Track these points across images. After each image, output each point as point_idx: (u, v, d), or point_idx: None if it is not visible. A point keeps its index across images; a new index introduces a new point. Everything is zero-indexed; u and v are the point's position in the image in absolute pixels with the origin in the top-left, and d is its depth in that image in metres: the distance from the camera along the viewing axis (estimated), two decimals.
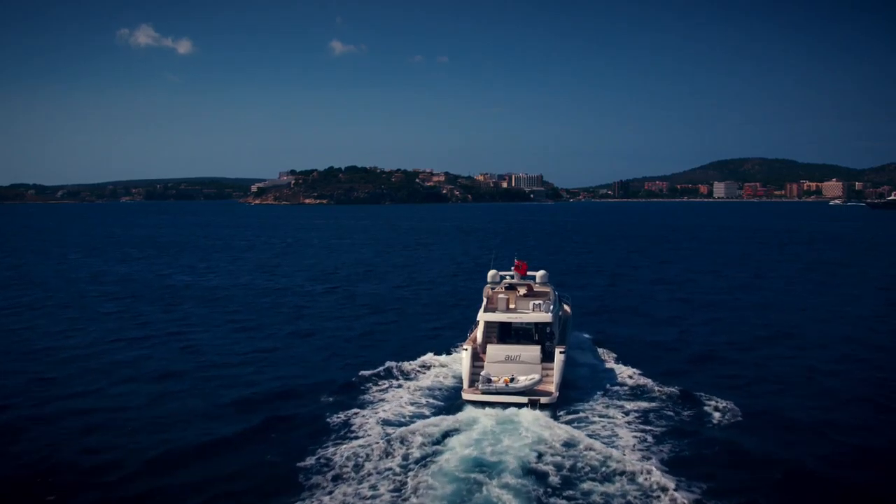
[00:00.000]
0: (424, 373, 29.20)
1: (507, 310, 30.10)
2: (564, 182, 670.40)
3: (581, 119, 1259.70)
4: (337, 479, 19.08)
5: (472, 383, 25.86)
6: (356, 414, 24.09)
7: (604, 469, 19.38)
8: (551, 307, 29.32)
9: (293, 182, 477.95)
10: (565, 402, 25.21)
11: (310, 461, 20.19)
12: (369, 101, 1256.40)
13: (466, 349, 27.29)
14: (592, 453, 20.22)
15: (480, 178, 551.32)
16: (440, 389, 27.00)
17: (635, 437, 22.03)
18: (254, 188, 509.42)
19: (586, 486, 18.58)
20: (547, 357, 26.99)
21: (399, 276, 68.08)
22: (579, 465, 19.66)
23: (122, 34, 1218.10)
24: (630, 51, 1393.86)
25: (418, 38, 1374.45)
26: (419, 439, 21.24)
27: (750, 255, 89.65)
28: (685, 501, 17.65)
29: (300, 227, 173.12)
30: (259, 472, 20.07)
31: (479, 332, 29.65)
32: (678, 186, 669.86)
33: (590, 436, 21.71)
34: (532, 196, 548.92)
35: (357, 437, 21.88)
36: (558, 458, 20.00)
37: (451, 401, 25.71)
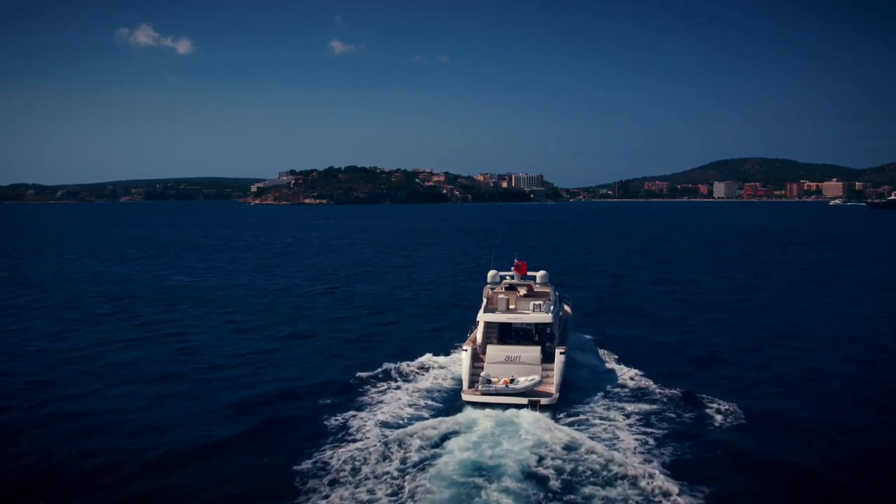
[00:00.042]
0: (423, 374, 28.95)
1: (507, 310, 29.89)
2: (564, 182, 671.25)
3: (581, 119, 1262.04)
4: (334, 483, 18.82)
5: (472, 384, 25.64)
6: (354, 416, 23.85)
7: (605, 473, 19.10)
8: (551, 307, 29.10)
9: (293, 182, 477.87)
10: (566, 404, 24.96)
11: (306, 465, 19.95)
12: (369, 101, 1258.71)
13: (466, 350, 27.09)
14: (594, 457, 19.94)
15: (480, 178, 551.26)
16: (439, 391, 26.76)
17: (637, 439, 21.78)
18: (253, 188, 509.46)
19: (587, 490, 18.31)
20: (547, 358, 26.78)
21: (399, 276, 67.84)
22: (580, 468, 19.39)
23: (122, 34, 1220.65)
24: (630, 51, 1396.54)
25: (418, 38, 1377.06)
26: (417, 442, 20.97)
27: (750, 256, 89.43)
28: None
29: (299, 228, 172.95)
30: (255, 475, 19.83)
31: (478, 333, 29.41)
32: (678, 186, 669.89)
33: (591, 438, 21.44)
34: (532, 196, 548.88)
35: (355, 440, 21.64)
36: (559, 462, 19.72)
37: (450, 402, 25.47)
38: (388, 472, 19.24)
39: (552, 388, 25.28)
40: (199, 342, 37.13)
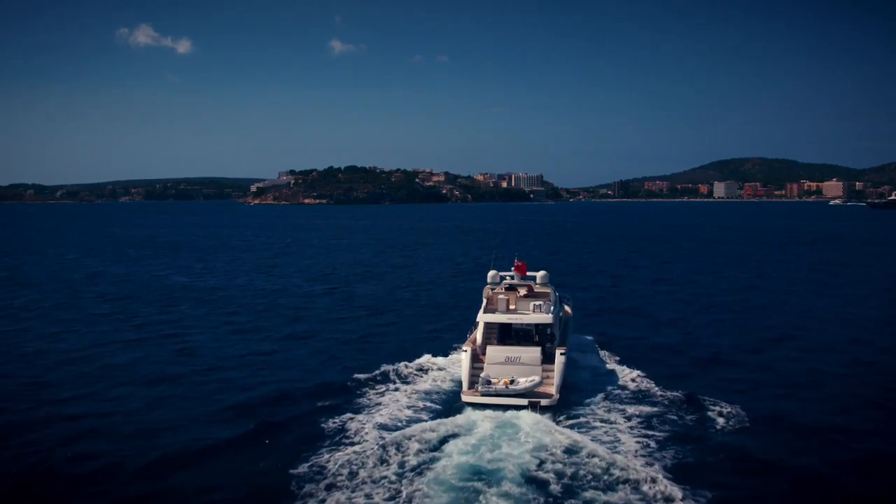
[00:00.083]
0: (422, 376, 28.70)
1: (507, 311, 29.66)
2: (564, 182, 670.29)
3: (581, 119, 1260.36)
4: (331, 487, 18.55)
5: (472, 385, 25.41)
6: (352, 419, 23.58)
7: (606, 477, 18.84)
8: (552, 308, 28.86)
9: (292, 182, 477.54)
10: (566, 405, 24.71)
11: (303, 468, 19.68)
12: (369, 101, 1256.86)
13: (466, 350, 26.86)
14: (595, 460, 19.68)
15: (480, 177, 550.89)
16: (438, 393, 26.49)
17: (638, 442, 21.51)
18: (253, 188, 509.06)
19: (589, 494, 18.05)
20: (547, 359, 26.54)
21: (398, 276, 67.59)
22: (581, 472, 19.12)
23: (122, 34, 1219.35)
24: (630, 51, 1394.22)
25: (418, 37, 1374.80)
26: (416, 445, 20.70)
27: (751, 256, 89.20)
28: None
29: (299, 227, 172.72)
30: (252, 479, 19.56)
31: (478, 334, 29.18)
32: (678, 186, 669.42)
33: (592, 441, 21.17)
34: (532, 196, 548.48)
35: (352, 443, 21.36)
36: (559, 466, 19.45)
37: (449, 404, 25.20)
38: (385, 476, 18.96)
39: (552, 390, 25.05)
40: (198, 343, 36.90)
